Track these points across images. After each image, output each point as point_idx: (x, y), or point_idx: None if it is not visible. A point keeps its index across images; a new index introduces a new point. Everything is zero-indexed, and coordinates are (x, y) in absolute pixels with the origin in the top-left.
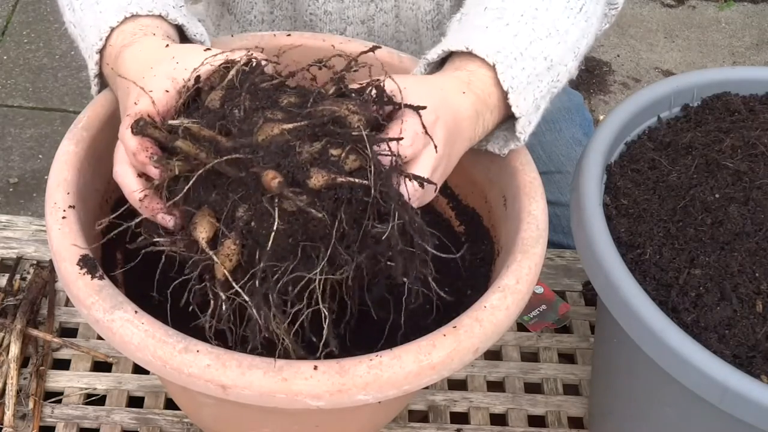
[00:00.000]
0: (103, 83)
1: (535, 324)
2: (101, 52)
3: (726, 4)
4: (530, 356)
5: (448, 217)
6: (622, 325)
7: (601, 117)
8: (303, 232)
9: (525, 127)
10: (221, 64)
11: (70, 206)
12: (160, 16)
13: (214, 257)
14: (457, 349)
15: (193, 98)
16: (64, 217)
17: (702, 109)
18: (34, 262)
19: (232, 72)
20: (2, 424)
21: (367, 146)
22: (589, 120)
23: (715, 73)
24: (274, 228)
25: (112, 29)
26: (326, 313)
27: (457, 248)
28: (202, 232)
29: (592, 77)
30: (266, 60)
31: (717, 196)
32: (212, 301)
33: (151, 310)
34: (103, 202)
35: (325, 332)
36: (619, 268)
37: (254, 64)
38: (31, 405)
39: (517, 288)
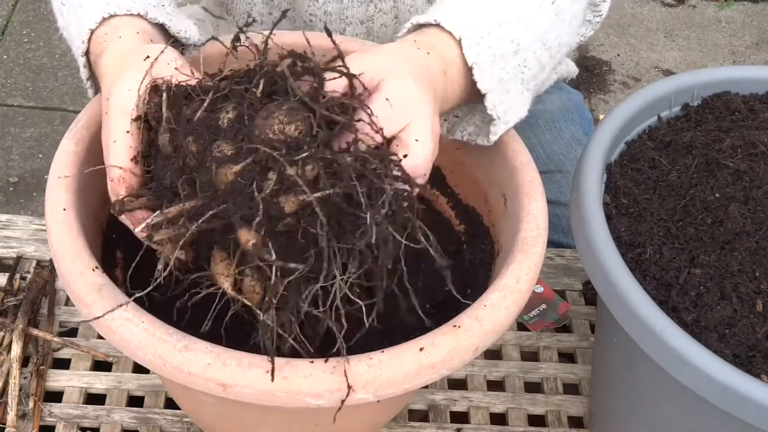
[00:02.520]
0: (97, 85)
1: (535, 323)
2: (87, 55)
3: (726, 4)
4: (530, 356)
5: (448, 216)
6: (622, 325)
7: (601, 116)
8: (307, 244)
9: (496, 105)
10: (148, 91)
11: (70, 205)
12: (139, 15)
13: (244, 300)
14: (456, 348)
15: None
16: (64, 217)
17: (702, 109)
18: (34, 261)
19: (164, 109)
20: (4, 424)
21: (289, 167)
22: (589, 119)
23: (716, 72)
24: (273, 269)
25: (92, 32)
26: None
27: (457, 248)
28: (225, 282)
29: (592, 77)
30: (186, 74)
31: (717, 195)
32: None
33: (152, 310)
34: (103, 202)
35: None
36: (619, 267)
37: (179, 92)
38: (31, 405)
39: (517, 287)
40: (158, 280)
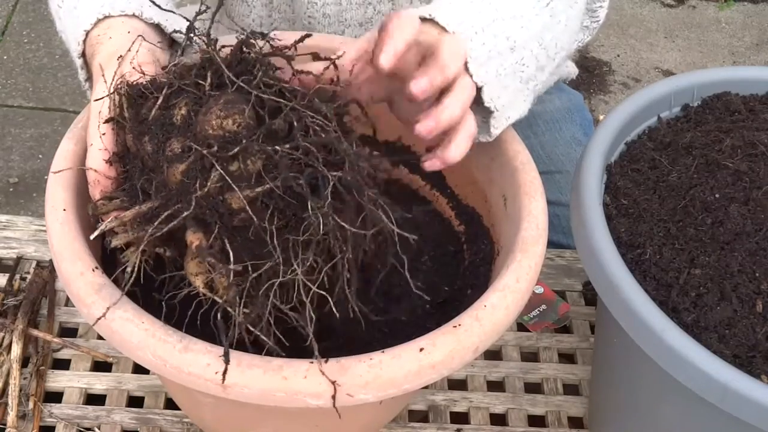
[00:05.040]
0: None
1: (535, 324)
2: (83, 57)
3: (726, 4)
4: (530, 356)
5: (448, 216)
6: (623, 325)
7: (601, 117)
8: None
9: (494, 98)
10: (115, 91)
11: (70, 206)
12: (134, 16)
13: (216, 299)
14: (457, 348)
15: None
16: (64, 217)
17: (702, 109)
18: (34, 262)
19: (124, 109)
20: (4, 424)
21: (218, 166)
22: (589, 120)
23: (715, 72)
24: (231, 266)
25: (87, 33)
26: (305, 302)
27: (457, 248)
28: (196, 280)
29: (592, 77)
30: (146, 71)
31: (717, 196)
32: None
33: (152, 310)
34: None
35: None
36: (619, 268)
37: (134, 92)
38: (31, 405)
39: (517, 287)
40: (127, 283)
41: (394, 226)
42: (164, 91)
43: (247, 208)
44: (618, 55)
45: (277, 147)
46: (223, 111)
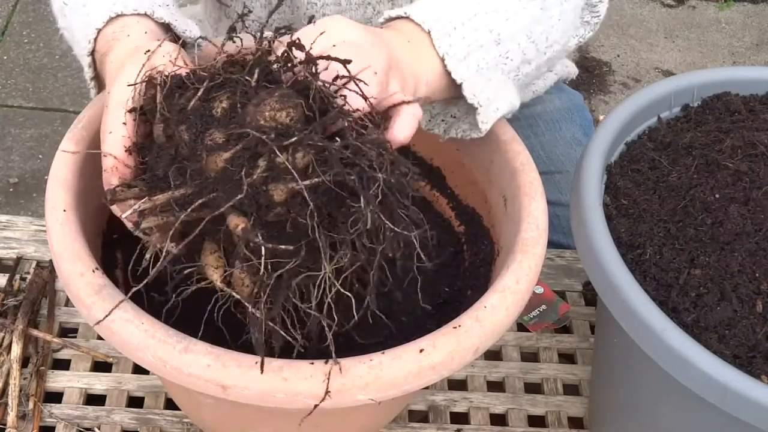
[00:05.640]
0: (101, 85)
1: (535, 324)
2: (92, 55)
3: (726, 4)
4: (530, 356)
5: (448, 217)
6: (623, 325)
7: (601, 117)
8: (298, 235)
9: (476, 93)
10: (144, 81)
11: (70, 206)
12: (145, 15)
13: (233, 293)
14: (457, 349)
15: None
16: (64, 218)
17: (702, 109)
18: (34, 262)
19: (158, 98)
20: (4, 425)
21: (279, 153)
22: (589, 120)
23: (715, 73)
24: (262, 255)
25: (99, 31)
26: (332, 305)
27: (457, 249)
28: (214, 273)
29: (592, 77)
30: (181, 65)
31: (717, 196)
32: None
33: (151, 311)
34: (102, 203)
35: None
36: (619, 268)
37: (172, 82)
38: (31, 405)
39: (517, 288)
40: (153, 274)
41: (430, 231)
42: (206, 84)
43: (305, 193)
44: (618, 55)
45: (338, 142)
46: (278, 103)
